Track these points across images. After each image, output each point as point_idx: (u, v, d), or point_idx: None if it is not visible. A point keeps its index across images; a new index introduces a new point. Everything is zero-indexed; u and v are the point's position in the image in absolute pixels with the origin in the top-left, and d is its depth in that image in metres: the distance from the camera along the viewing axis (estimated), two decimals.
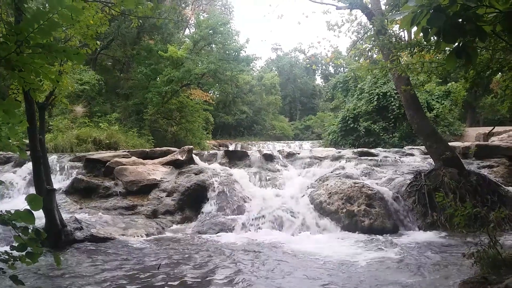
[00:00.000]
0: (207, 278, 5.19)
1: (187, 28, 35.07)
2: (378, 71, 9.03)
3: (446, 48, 3.06)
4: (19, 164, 11.01)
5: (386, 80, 21.39)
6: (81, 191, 9.66)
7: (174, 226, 8.51)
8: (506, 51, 5.59)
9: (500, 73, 7.78)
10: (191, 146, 11.63)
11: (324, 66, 61.05)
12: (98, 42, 6.93)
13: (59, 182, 10.23)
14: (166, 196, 9.36)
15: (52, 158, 10.95)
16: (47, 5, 2.16)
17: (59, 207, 7.08)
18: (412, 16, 2.39)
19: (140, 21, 19.24)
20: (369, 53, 10.61)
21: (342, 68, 52.10)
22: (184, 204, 9.18)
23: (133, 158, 11.04)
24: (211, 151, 13.66)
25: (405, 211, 8.47)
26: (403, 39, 10.26)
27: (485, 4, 2.39)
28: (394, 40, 8.24)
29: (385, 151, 12.92)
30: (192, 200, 9.24)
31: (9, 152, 11.20)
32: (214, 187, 9.31)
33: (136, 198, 9.39)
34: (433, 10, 2.29)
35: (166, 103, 22.17)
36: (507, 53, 5.75)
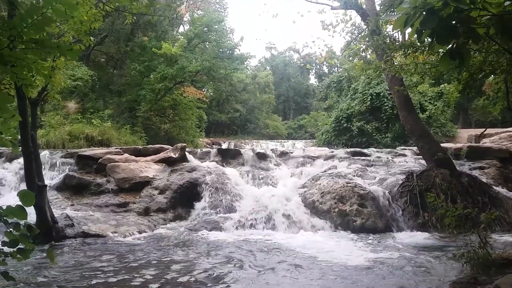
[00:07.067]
0: (196, 276, 5.18)
1: (181, 26, 34.93)
2: (371, 71, 9.07)
3: (440, 50, 3.07)
4: (10, 159, 10.91)
5: (379, 81, 21.44)
6: (72, 188, 9.62)
7: (166, 224, 8.50)
8: (499, 53, 5.63)
9: (492, 76, 7.83)
10: (184, 144, 11.59)
11: (318, 66, 60.88)
12: (91, 38, 6.89)
13: (50, 178, 10.16)
14: (159, 193, 9.34)
15: (44, 154, 10.86)
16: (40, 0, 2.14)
17: (50, 204, 7.05)
18: (406, 17, 2.40)
19: (135, 17, 19.18)
20: (363, 54, 10.63)
21: (336, 68, 52.00)
22: (177, 202, 9.16)
23: (126, 155, 10.98)
24: (204, 149, 13.63)
25: (397, 211, 8.52)
26: (397, 40, 10.28)
27: (478, 7, 2.41)
28: (388, 41, 8.26)
29: (377, 151, 12.98)
30: (185, 198, 9.23)
31: (0, 148, 11.09)
32: (206, 185, 9.30)
33: (128, 196, 9.36)
34: (426, 12, 2.29)
35: (160, 100, 22.07)
36: (499, 56, 5.79)
